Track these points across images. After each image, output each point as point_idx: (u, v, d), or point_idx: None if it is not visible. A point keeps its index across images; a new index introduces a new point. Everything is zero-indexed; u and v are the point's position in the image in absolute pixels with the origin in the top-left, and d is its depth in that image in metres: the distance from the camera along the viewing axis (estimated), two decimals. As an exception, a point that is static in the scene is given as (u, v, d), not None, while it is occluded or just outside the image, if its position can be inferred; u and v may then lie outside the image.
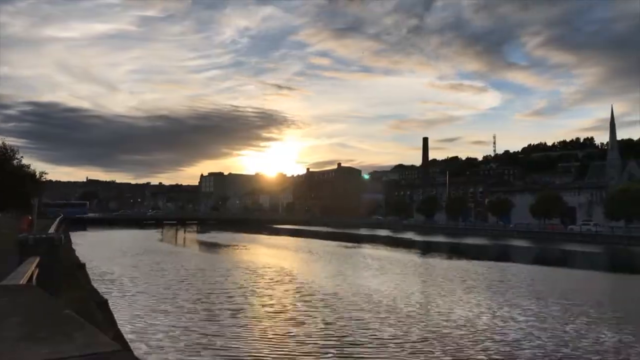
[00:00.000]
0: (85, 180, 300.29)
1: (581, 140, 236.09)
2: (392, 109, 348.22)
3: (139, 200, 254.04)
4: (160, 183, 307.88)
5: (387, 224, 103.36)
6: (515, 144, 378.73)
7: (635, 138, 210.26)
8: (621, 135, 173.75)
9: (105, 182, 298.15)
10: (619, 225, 66.31)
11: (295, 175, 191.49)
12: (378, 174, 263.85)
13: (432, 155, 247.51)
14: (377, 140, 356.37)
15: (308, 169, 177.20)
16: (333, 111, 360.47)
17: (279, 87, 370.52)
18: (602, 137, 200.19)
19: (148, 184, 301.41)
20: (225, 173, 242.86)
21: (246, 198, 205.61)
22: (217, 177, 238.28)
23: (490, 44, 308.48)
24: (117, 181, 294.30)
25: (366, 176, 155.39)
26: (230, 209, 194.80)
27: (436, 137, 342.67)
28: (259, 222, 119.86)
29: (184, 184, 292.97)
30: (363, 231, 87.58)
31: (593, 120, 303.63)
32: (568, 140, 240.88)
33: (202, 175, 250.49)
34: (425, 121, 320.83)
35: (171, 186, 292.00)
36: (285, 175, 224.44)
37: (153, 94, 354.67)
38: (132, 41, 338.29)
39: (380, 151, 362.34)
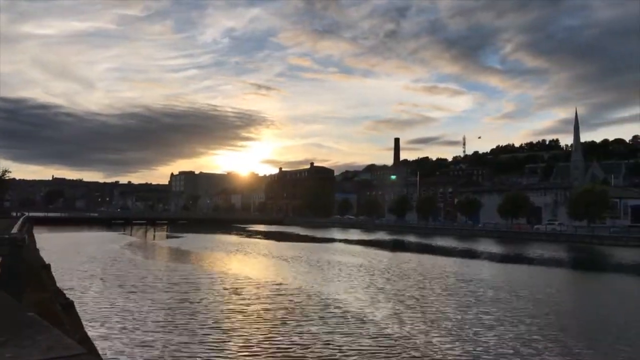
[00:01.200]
0: (51, 178, 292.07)
1: (547, 142, 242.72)
2: (368, 110, 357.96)
3: (107, 199, 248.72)
4: (129, 182, 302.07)
5: (359, 224, 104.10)
6: (485, 146, 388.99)
7: (598, 140, 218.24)
8: (585, 137, 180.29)
9: (72, 180, 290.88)
10: (582, 224, 68.52)
11: (267, 174, 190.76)
12: (350, 174, 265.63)
13: (406, 156, 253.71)
14: (353, 141, 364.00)
15: (280, 168, 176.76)
16: (311, 112, 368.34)
17: (258, 87, 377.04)
18: (567, 139, 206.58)
19: (117, 183, 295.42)
20: (197, 172, 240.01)
21: (218, 198, 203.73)
22: (188, 176, 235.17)
23: (466, 49, 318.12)
24: (85, 180, 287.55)
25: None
26: (202, 208, 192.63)
27: (411, 138, 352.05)
28: (230, 222, 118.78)
29: (154, 183, 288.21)
30: (335, 231, 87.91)
31: (559, 122, 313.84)
32: (535, 142, 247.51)
33: (172, 174, 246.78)
34: (400, 122, 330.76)
35: (141, 185, 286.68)
36: (257, 174, 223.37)
37: (130, 93, 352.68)
38: (112, 39, 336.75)
39: (356, 152, 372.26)
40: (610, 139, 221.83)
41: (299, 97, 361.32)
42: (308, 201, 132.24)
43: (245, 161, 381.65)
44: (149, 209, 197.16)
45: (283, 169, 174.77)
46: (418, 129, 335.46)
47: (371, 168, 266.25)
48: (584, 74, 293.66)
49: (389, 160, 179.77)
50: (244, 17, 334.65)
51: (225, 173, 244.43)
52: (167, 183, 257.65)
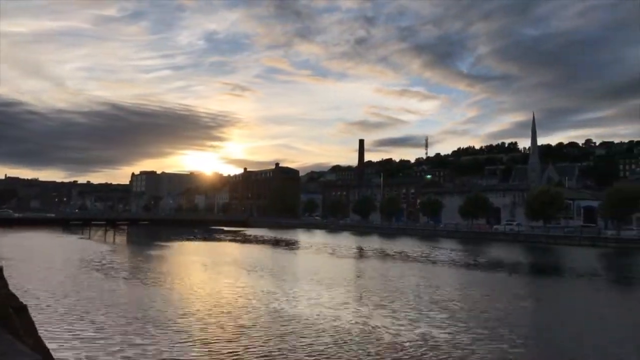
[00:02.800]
0: (4, 177, 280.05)
1: (506, 145, 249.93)
2: (339, 112, 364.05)
3: (65, 199, 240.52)
4: (88, 182, 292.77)
5: (324, 224, 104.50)
6: (447, 148, 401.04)
7: (553, 144, 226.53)
8: (541, 141, 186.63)
9: (27, 180, 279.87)
10: (538, 225, 70.93)
11: (232, 175, 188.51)
12: (316, 175, 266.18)
13: (375, 158, 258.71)
14: (323, 142, 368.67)
15: (245, 168, 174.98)
16: (282, 113, 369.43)
17: (232, 88, 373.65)
18: (525, 142, 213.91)
19: (75, 182, 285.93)
20: (159, 172, 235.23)
21: (180, 198, 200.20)
22: (149, 176, 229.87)
23: (435, 55, 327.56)
24: (41, 179, 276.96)
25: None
26: (164, 209, 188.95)
27: (380, 140, 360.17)
28: (193, 223, 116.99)
29: (114, 183, 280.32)
30: (300, 232, 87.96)
31: (517, 126, 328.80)
32: (494, 144, 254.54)
33: (133, 174, 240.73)
34: (370, 125, 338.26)
35: (100, 185, 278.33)
36: (222, 174, 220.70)
37: (99, 92, 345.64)
38: (84, 39, 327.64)
39: (325, 153, 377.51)
40: (565, 142, 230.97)
41: (272, 99, 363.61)
42: (273, 202, 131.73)
43: (213, 162, 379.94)
44: (109, 209, 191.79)
45: (248, 169, 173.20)
46: (387, 131, 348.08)
47: (336, 169, 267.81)
48: (543, 81, 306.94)
49: (356, 161, 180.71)
50: (220, 20, 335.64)
51: (188, 173, 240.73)
52: (128, 183, 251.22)
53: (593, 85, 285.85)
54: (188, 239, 63.88)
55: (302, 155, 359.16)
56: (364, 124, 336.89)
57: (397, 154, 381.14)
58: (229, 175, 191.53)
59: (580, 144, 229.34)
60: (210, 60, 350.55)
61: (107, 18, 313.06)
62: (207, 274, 28.40)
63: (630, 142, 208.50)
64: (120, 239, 65.95)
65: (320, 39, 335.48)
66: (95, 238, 64.56)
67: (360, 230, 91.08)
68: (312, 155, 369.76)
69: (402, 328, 15.20)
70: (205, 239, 67.03)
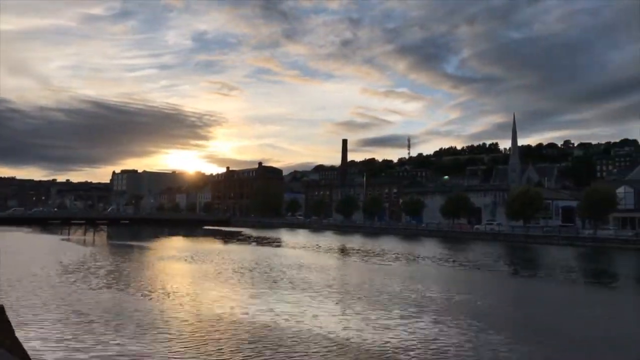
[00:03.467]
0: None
1: (487, 146, 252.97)
2: (325, 113, 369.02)
3: (44, 198, 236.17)
4: (68, 180, 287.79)
5: (307, 224, 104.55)
6: (429, 148, 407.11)
7: (533, 145, 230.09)
8: (522, 142, 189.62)
9: (3, 178, 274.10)
10: (518, 224, 71.99)
11: (214, 174, 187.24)
12: (299, 174, 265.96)
13: (360, 158, 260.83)
14: (308, 142, 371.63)
15: (228, 167, 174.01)
16: (268, 113, 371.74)
17: (220, 88, 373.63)
18: (506, 143, 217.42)
19: (54, 181, 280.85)
20: (140, 170, 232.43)
21: (162, 197, 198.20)
22: (130, 175, 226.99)
23: (421, 57, 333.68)
24: (19, 178, 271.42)
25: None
26: (145, 208, 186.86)
27: (365, 140, 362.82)
28: (174, 223, 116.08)
29: (95, 181, 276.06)
30: (283, 232, 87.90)
31: (499, 127, 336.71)
32: (476, 145, 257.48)
33: (114, 173, 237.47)
34: (355, 125, 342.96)
35: (80, 184, 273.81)
36: (204, 173, 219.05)
37: (84, 90, 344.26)
38: (71, 37, 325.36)
39: (310, 153, 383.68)
40: (545, 143, 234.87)
41: (259, 99, 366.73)
42: (256, 201, 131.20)
43: (198, 161, 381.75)
44: (89, 208, 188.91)
45: (231, 168, 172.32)
46: (372, 131, 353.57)
47: (320, 168, 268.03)
48: (525, 84, 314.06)
49: (340, 161, 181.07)
50: (207, 20, 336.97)
51: (170, 172, 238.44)
52: (108, 182, 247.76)
53: (572, 88, 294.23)
54: (169, 239, 63.30)
55: (288, 155, 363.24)
56: (349, 125, 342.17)
57: (382, 154, 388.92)
58: (211, 174, 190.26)
59: (559, 145, 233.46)
60: (198, 60, 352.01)
61: (94, 17, 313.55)
62: (187, 280, 28.20)
63: (607, 143, 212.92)
64: (100, 238, 65.02)
65: (306, 40, 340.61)
66: (74, 238, 63.51)
67: (343, 229, 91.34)
68: (298, 155, 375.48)
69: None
70: (186, 238, 66.49)
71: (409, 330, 15.00)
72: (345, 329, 14.95)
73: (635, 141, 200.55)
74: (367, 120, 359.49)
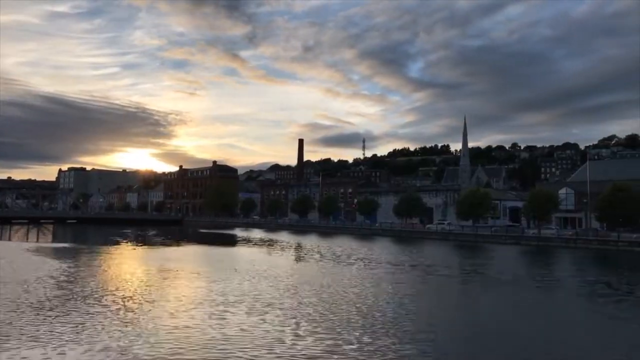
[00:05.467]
0: None
1: (439, 147, 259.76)
2: (287, 114, 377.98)
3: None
4: (9, 177, 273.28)
5: (262, 224, 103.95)
6: (383, 149, 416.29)
7: (483, 147, 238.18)
8: (472, 144, 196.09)
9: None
10: (468, 224, 74.26)
11: (166, 172, 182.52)
12: (255, 174, 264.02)
13: (315, 158, 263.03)
14: (269, 142, 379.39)
15: (181, 166, 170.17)
16: (231, 113, 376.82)
17: (184, 87, 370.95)
18: (457, 145, 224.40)
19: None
20: (89, 168, 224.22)
21: (111, 196, 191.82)
22: (78, 173, 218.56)
23: (381, 62, 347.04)
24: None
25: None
26: (93, 207, 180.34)
27: (323, 141, 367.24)
28: (124, 223, 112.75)
29: (39, 179, 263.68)
30: (237, 232, 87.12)
31: (451, 130, 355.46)
32: (428, 147, 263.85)
33: (60, 170, 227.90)
34: (316, 127, 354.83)
35: (23, 182, 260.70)
36: (156, 172, 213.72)
37: (42, 87, 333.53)
38: (32, 34, 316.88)
39: (270, 153, 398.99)
40: (493, 146, 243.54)
41: (223, 99, 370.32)
42: (210, 200, 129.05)
43: (157, 160, 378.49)
44: (33, 207, 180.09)
45: (184, 167, 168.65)
46: (333, 133, 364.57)
47: (275, 168, 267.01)
48: (478, 89, 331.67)
49: (296, 161, 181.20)
50: (174, 20, 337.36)
51: (121, 170, 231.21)
52: (54, 180, 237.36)
53: (522, 95, 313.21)
54: (117, 240, 61.43)
55: (247, 155, 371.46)
56: (310, 126, 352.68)
57: (340, 155, 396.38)
58: (163, 173, 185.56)
59: (507, 148, 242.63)
60: (163, 59, 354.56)
61: (59, 14, 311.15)
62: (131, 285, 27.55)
63: (551, 146, 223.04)
64: (45, 239, 62.33)
65: (271, 43, 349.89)
66: (16, 239, 60.57)
67: (299, 229, 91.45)
68: (257, 156, 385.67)
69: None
70: (135, 240, 64.76)
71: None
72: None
73: (576, 145, 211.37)
74: (327, 121, 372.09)
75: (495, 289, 26.44)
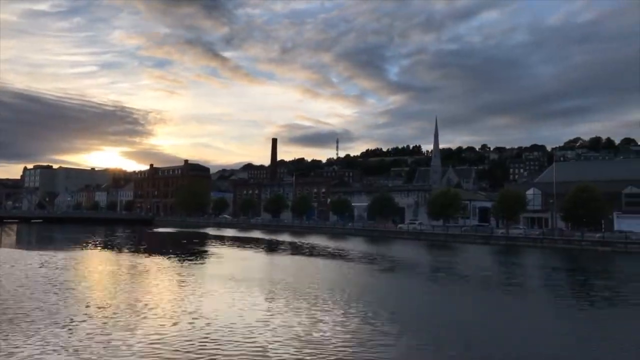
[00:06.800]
0: None
1: (411, 148, 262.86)
2: (264, 114, 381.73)
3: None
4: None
5: (235, 223, 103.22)
6: (357, 149, 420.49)
7: (453, 148, 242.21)
8: (443, 145, 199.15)
9: None
10: (439, 224, 75.45)
11: (137, 171, 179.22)
12: (227, 173, 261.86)
13: (288, 158, 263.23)
14: (245, 142, 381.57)
15: (152, 164, 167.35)
16: (210, 113, 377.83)
17: (163, 87, 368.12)
18: (429, 146, 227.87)
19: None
20: (56, 167, 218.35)
21: (79, 195, 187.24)
22: (44, 171, 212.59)
23: (358, 64, 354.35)
24: None
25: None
26: (60, 206, 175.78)
27: (298, 141, 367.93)
28: (93, 222, 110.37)
29: (3, 177, 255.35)
30: (209, 231, 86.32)
31: (424, 132, 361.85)
32: (400, 147, 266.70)
33: (25, 168, 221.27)
34: (292, 127, 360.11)
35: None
36: (126, 171, 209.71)
37: (18, 84, 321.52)
38: (10, 32, 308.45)
39: (246, 153, 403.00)
40: (464, 147, 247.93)
41: (202, 98, 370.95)
42: (181, 200, 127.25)
43: (132, 159, 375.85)
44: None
45: (155, 166, 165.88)
46: (310, 133, 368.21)
47: (248, 167, 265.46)
48: (453, 93, 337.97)
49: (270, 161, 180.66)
50: (155, 20, 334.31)
51: (89, 168, 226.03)
52: (19, 178, 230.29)
53: (493, 98, 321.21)
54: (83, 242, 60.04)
55: (223, 155, 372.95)
56: (287, 126, 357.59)
57: (315, 155, 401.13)
58: (133, 172, 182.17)
59: (477, 149, 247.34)
60: (142, 59, 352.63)
61: (39, 13, 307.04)
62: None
63: (520, 148, 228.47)
64: (8, 240, 60.41)
65: (250, 43, 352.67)
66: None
67: (271, 229, 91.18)
68: (233, 155, 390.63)
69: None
70: (101, 242, 63.40)
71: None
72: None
73: (543, 146, 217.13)
74: (305, 122, 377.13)
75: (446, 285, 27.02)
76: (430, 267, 36.87)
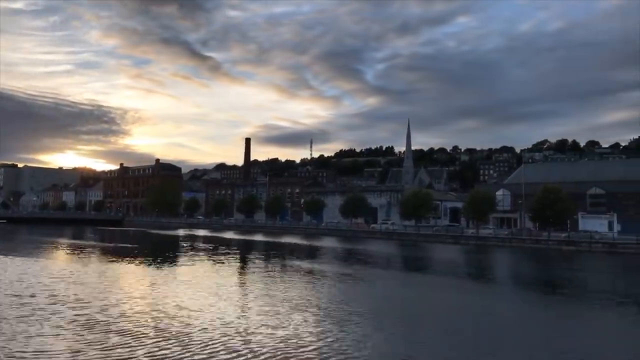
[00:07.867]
0: None
1: (384, 149, 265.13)
2: (241, 114, 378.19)
3: None
4: None
5: (207, 224, 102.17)
6: (330, 149, 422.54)
7: (425, 149, 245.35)
8: (415, 146, 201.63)
9: None
10: (411, 224, 76.35)
11: (106, 170, 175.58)
12: (199, 172, 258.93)
13: (262, 158, 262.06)
14: (221, 142, 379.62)
15: (122, 164, 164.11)
16: (186, 113, 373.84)
17: (139, 86, 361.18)
18: (401, 147, 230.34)
19: None
20: (20, 165, 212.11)
21: (46, 194, 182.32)
22: (8, 170, 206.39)
23: (337, 66, 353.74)
24: None
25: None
26: (26, 206, 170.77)
27: (272, 140, 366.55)
28: (61, 222, 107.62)
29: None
30: (180, 232, 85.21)
31: (395, 133, 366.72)
32: (373, 148, 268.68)
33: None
34: (268, 127, 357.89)
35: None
36: (95, 170, 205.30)
37: None
38: None
39: (221, 153, 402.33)
40: (436, 148, 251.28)
41: (180, 98, 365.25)
42: (152, 200, 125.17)
43: (103, 158, 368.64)
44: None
45: (125, 165, 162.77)
46: (285, 133, 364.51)
47: (221, 167, 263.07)
48: (428, 95, 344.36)
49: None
50: (132, 20, 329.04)
51: (57, 168, 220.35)
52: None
53: (465, 101, 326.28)
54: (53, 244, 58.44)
55: (197, 155, 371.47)
56: (264, 127, 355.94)
57: (290, 155, 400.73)
58: (103, 171, 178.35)
59: (449, 150, 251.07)
60: (120, 58, 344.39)
61: (13, 11, 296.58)
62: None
63: (490, 149, 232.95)
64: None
65: (228, 44, 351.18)
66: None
67: (245, 229, 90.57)
68: (207, 155, 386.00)
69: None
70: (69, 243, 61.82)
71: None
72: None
73: (512, 148, 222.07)
74: (282, 122, 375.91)
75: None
76: (404, 264, 37.24)
